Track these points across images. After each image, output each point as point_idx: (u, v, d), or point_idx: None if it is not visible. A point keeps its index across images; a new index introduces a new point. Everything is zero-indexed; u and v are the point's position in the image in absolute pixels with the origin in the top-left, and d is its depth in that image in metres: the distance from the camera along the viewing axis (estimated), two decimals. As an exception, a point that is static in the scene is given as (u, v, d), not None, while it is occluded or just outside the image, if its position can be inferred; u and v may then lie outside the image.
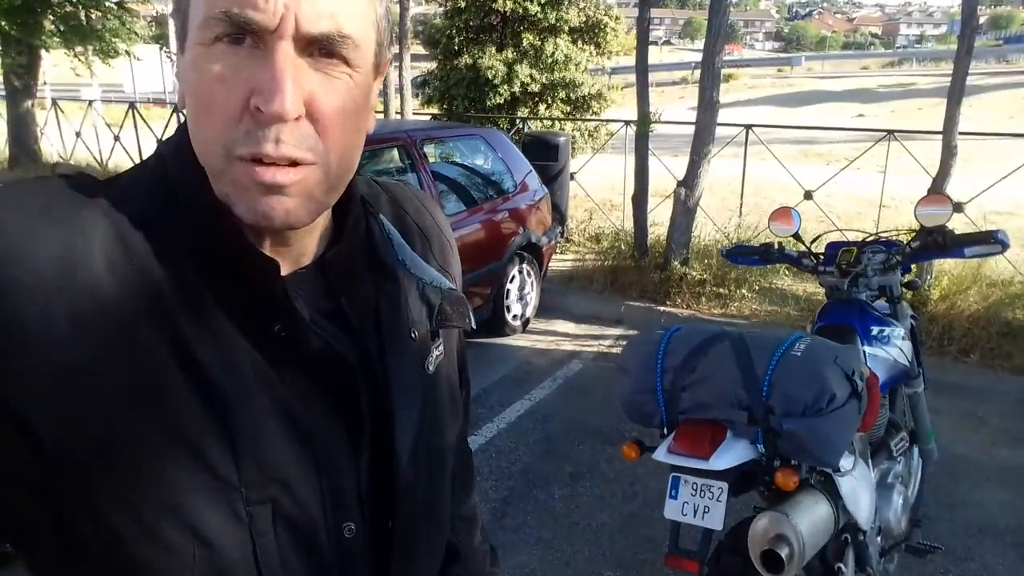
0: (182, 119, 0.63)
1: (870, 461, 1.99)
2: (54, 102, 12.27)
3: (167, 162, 0.62)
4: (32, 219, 0.54)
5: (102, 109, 13.40)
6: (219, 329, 0.58)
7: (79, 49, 11.05)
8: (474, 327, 0.80)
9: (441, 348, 0.76)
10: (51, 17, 10.46)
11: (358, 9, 0.58)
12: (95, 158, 11.50)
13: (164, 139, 0.65)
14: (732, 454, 1.54)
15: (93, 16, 10.92)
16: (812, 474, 1.67)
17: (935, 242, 2.20)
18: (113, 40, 10.94)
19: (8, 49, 10.34)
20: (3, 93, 11.72)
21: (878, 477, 2.09)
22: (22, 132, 11.50)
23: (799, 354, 1.52)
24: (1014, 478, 3.21)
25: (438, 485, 0.75)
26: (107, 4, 10.78)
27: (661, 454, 1.61)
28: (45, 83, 13.83)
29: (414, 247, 0.77)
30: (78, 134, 11.62)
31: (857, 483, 1.73)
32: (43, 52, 11.22)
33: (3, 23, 9.77)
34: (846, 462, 1.64)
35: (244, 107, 0.54)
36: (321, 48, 0.56)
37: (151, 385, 0.54)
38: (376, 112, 0.72)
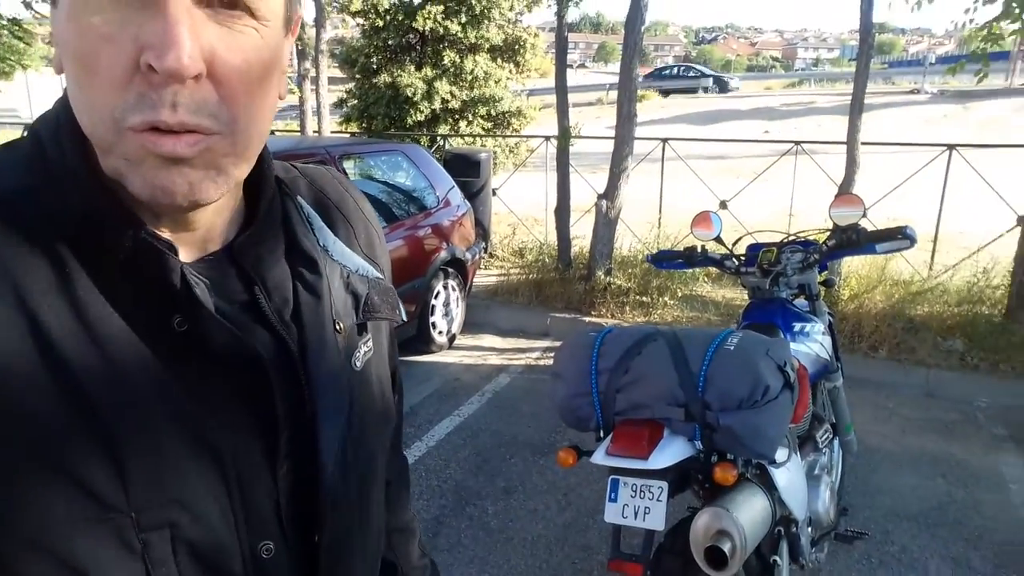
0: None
1: (798, 453, 2.03)
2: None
3: (42, 138, 0.53)
4: None
5: (-8, 131, 12.59)
6: (101, 327, 0.49)
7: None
8: (405, 319, 0.74)
9: (370, 343, 0.69)
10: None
11: None
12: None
13: (40, 115, 0.56)
14: (670, 452, 1.52)
15: (-20, 35, 10.20)
16: (748, 468, 1.68)
17: (849, 239, 2.28)
18: (7, 58, 10.23)
19: None
20: None
21: (806, 468, 2.13)
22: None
23: (732, 348, 1.52)
24: (923, 464, 3.37)
25: (369, 495, 0.68)
26: (-2, 22, 10.10)
27: (599, 457, 1.58)
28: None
29: (337, 234, 0.69)
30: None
31: (792, 475, 1.75)
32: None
33: None
34: (781, 454, 1.65)
35: (134, 67, 0.46)
36: None
37: (11, 401, 0.45)
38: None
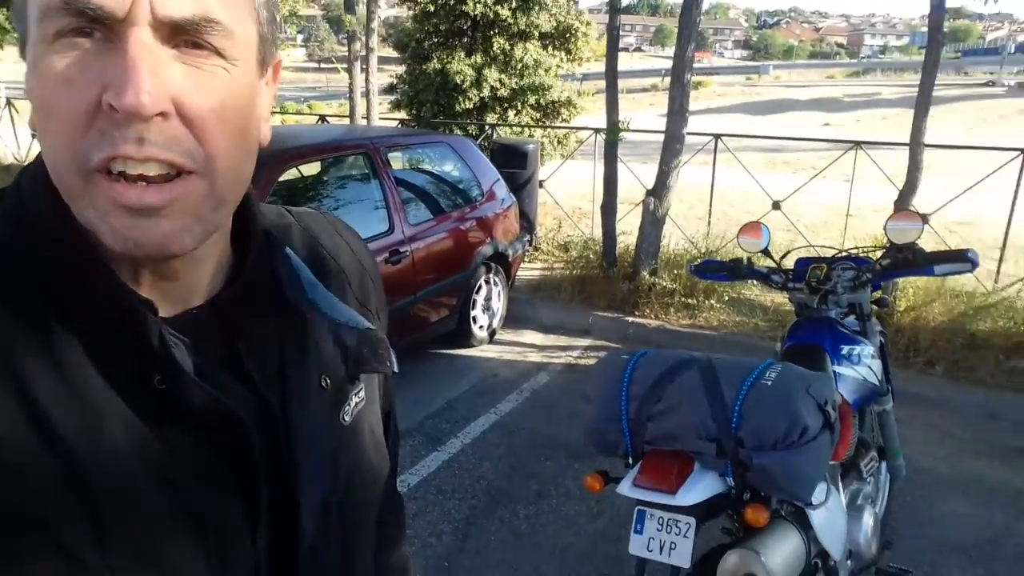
0: None
1: (840, 484, 1.94)
2: (8, 101, 11.86)
3: (23, 190, 0.53)
4: None
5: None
6: (80, 383, 0.48)
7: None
8: (396, 371, 0.71)
9: (362, 395, 0.67)
10: (6, 11, 10.13)
11: None
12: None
13: (24, 167, 0.55)
14: (700, 488, 1.46)
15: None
16: (783, 505, 1.60)
17: (905, 259, 2.16)
18: None
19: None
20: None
21: (848, 499, 2.04)
22: (-29, 131, 11.11)
23: (770, 383, 1.45)
24: (977, 491, 3.20)
25: (356, 549, 0.67)
26: None
27: (625, 488, 1.53)
28: (-1, 81, 13.38)
29: (329, 282, 0.68)
30: (34, 135, 11.26)
31: (830, 514, 1.67)
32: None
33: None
34: (819, 494, 1.57)
35: (96, 108, 0.45)
36: (187, 37, 0.47)
37: None
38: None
